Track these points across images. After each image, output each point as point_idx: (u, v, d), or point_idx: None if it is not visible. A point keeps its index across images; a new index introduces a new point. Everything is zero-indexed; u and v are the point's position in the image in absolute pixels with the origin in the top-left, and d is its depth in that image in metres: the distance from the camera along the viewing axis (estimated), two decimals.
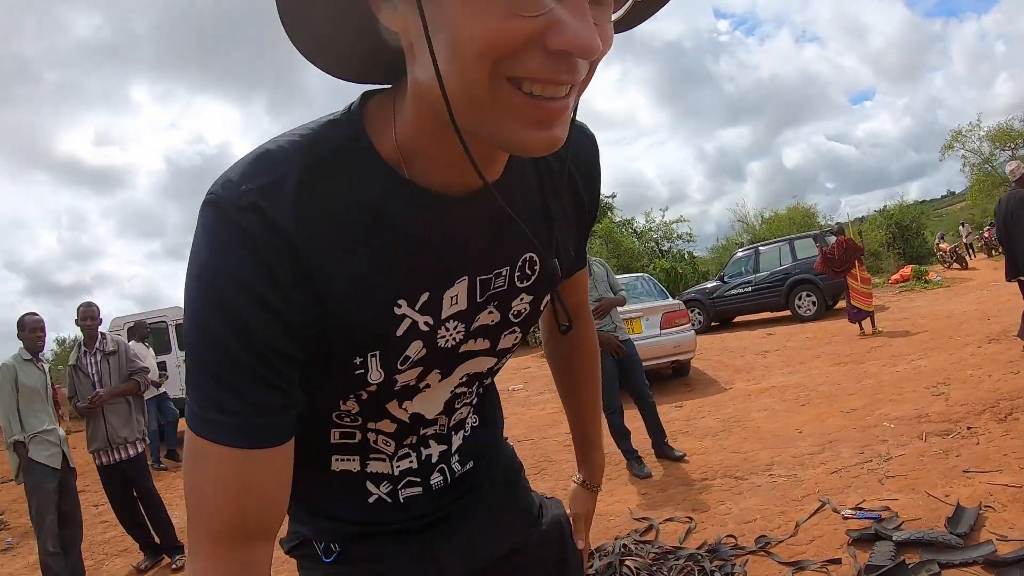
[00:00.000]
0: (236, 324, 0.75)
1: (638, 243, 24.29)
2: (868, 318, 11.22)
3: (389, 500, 1.11)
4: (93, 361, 5.47)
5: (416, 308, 0.87)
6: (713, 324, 16.83)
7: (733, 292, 16.22)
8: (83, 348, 5.52)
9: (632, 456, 5.80)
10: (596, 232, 23.30)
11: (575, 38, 0.61)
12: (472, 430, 1.22)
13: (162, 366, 11.54)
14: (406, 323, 0.87)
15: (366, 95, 0.86)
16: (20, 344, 5.27)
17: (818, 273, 12.84)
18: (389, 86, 0.85)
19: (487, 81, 0.65)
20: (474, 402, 1.20)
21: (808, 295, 14.75)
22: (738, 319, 17.07)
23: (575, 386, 1.45)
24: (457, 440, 1.18)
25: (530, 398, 10.75)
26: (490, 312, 0.98)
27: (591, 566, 3.78)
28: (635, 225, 25.55)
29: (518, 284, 0.99)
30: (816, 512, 4.10)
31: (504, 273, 0.96)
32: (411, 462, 1.11)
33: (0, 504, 9.55)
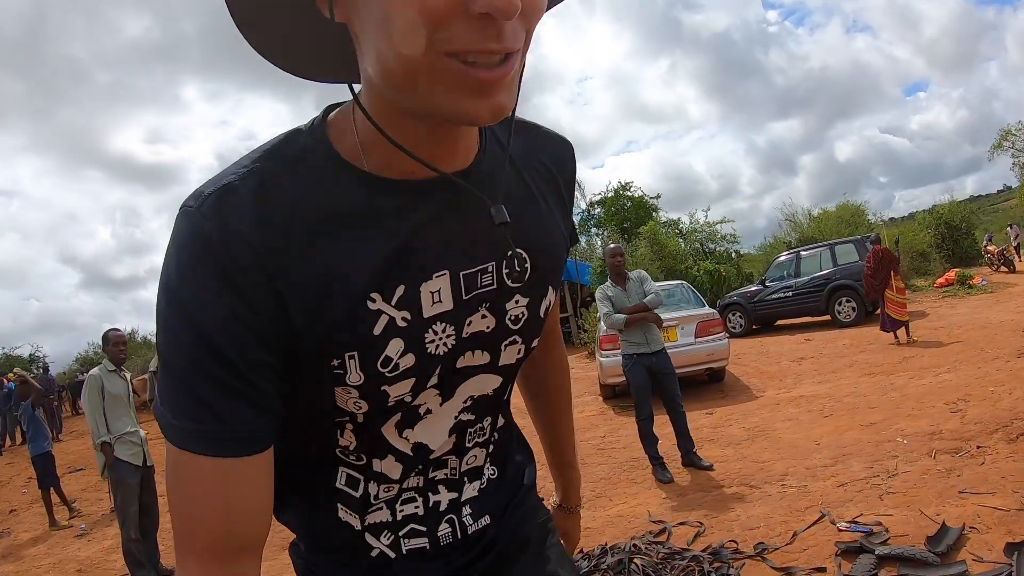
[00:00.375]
0: (201, 336, 0.75)
1: (684, 244, 24.48)
2: (903, 327, 11.32)
3: (392, 554, 1.07)
4: None
5: (392, 303, 0.85)
6: (754, 328, 16.92)
7: (774, 296, 16.32)
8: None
9: (657, 462, 6.24)
10: (642, 234, 23.60)
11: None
12: (489, 482, 1.15)
13: None
14: (383, 320, 0.85)
15: (330, 107, 0.89)
16: (105, 356, 5.96)
17: (872, 300, 12.65)
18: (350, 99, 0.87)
19: (425, 56, 0.68)
20: (490, 448, 1.14)
21: (848, 300, 14.77)
22: (779, 323, 17.09)
23: (549, 406, 1.42)
24: (471, 490, 1.12)
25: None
26: (483, 316, 0.95)
27: (603, 562, 4.22)
28: (681, 226, 25.78)
29: (508, 283, 0.95)
30: (815, 523, 4.45)
31: (491, 269, 0.92)
32: (416, 507, 1.07)
33: (72, 493, 10.16)
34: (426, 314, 0.88)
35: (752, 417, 8.10)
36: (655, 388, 6.33)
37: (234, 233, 0.76)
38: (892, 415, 6.86)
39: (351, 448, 0.99)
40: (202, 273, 0.75)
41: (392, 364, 0.88)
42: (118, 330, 6.02)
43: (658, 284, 12.35)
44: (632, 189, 28.91)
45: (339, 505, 1.05)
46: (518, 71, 0.75)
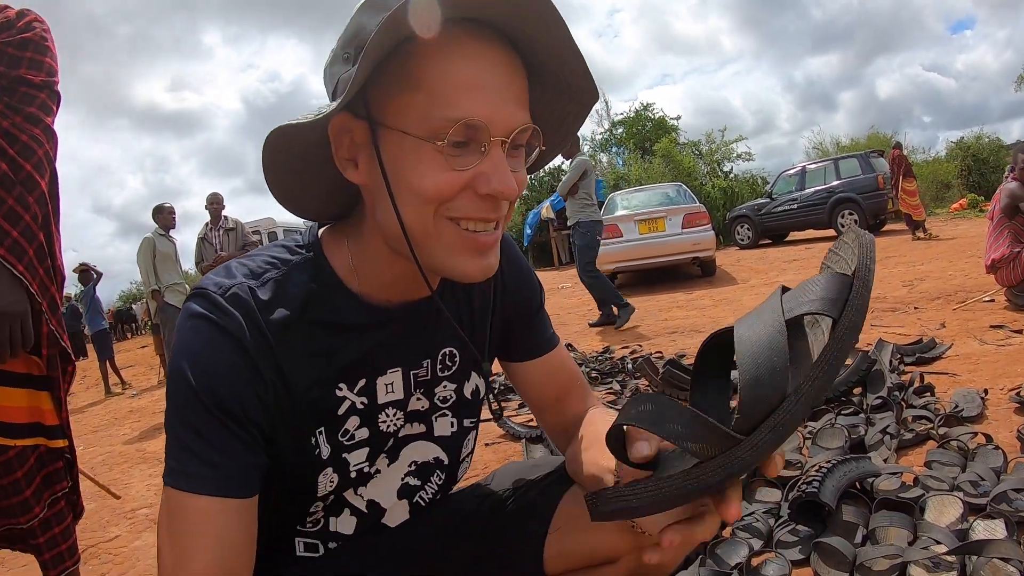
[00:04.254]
0: (217, 394, 0.88)
1: (702, 164, 24.97)
2: (920, 227, 12.53)
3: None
4: (217, 235, 7.32)
5: (354, 391, 1.03)
6: (764, 242, 17.21)
7: (779, 209, 16.50)
8: (209, 226, 7.39)
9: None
10: (656, 152, 24.20)
11: (498, 185, 0.83)
12: None
13: None
14: (346, 403, 1.03)
15: (317, 226, 1.07)
16: (155, 225, 7.12)
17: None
18: (333, 221, 1.07)
19: (433, 220, 0.86)
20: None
21: (850, 213, 14.97)
22: (790, 237, 17.41)
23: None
24: None
25: (574, 293, 12.02)
26: (418, 399, 1.13)
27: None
28: (700, 147, 26.12)
29: (439, 373, 1.14)
30: None
31: (426, 365, 1.11)
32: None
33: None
34: (380, 401, 1.07)
35: (725, 294, 8.95)
36: None
37: (256, 322, 0.92)
38: None
39: (313, 520, 1.12)
40: (226, 348, 0.90)
41: (349, 435, 1.05)
42: (167, 204, 7.22)
43: (657, 185, 13.31)
44: (653, 110, 29.32)
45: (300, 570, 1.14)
46: (503, 231, 0.95)
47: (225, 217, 7.45)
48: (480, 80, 0.82)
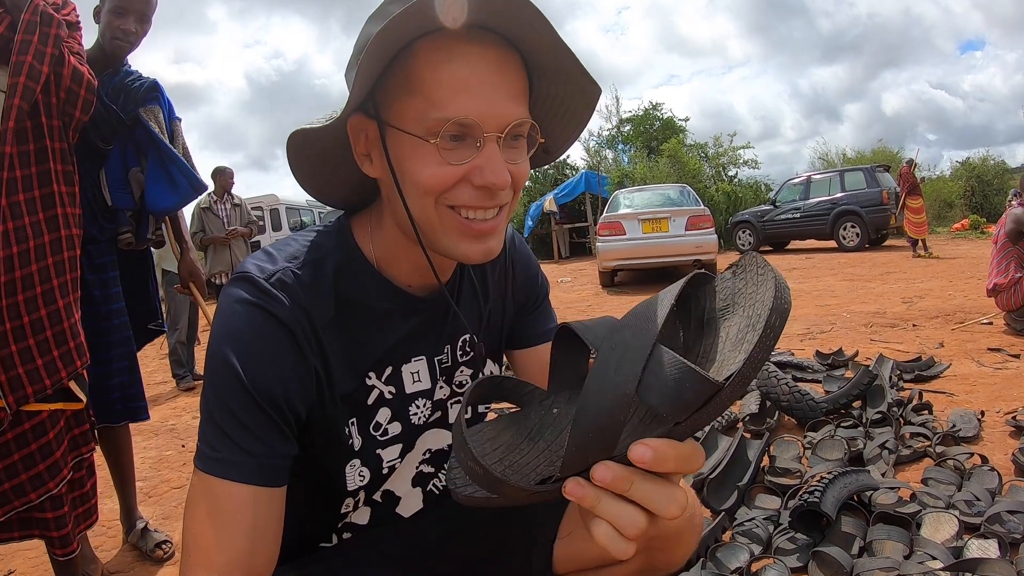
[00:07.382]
0: (269, 387, 0.90)
1: (707, 167, 24.80)
2: (920, 243, 12.93)
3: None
4: (224, 208, 7.35)
5: (382, 380, 1.06)
6: (764, 249, 17.12)
7: (782, 217, 16.46)
8: (214, 197, 7.37)
9: None
10: (663, 152, 24.04)
11: (491, 178, 0.88)
12: None
13: (256, 244, 13.72)
14: (375, 392, 1.06)
15: (348, 212, 1.11)
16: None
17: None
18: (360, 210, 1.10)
19: (434, 209, 0.91)
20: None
21: (852, 226, 15.04)
22: (791, 245, 17.41)
23: None
24: None
25: (573, 287, 12.15)
26: (440, 387, 1.16)
27: None
28: (707, 150, 25.88)
29: (459, 359, 1.18)
30: None
31: (447, 351, 1.15)
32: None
33: None
34: (408, 391, 1.10)
35: None
36: None
37: (300, 306, 0.94)
38: (849, 301, 7.57)
39: (345, 514, 1.15)
40: (275, 336, 0.92)
41: (382, 429, 1.08)
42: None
43: (662, 185, 13.32)
44: (662, 110, 29.26)
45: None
46: (507, 219, 0.99)
47: (230, 193, 7.50)
48: (471, 81, 0.86)
